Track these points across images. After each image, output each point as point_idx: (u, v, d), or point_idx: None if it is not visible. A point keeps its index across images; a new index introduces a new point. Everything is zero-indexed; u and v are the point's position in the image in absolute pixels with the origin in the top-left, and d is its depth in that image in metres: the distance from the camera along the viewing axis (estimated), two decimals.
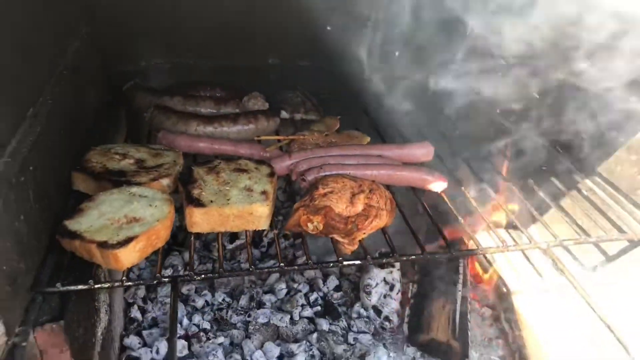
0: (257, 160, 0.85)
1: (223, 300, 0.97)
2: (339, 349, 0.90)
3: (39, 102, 0.74)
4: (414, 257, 0.74)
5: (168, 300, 0.97)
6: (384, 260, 0.75)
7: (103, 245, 0.66)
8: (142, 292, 0.97)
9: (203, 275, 0.70)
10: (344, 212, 0.74)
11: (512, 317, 0.96)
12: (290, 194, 1.10)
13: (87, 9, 1.03)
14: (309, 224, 0.74)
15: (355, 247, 0.75)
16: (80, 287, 0.65)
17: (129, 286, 0.68)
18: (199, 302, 0.96)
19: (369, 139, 1.00)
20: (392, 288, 0.99)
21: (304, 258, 0.75)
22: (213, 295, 0.98)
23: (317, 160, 0.87)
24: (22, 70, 0.69)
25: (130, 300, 0.96)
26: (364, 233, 0.75)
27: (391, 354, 0.92)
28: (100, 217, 0.71)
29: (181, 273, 0.98)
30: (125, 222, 0.70)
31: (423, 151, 0.93)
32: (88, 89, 0.99)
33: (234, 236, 1.10)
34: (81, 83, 0.95)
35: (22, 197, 0.62)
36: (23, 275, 0.60)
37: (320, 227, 0.74)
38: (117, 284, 0.67)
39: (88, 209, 0.73)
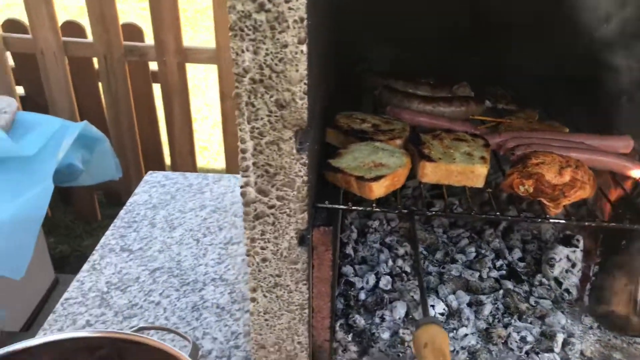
0: (472, 134, 1.02)
1: (421, 252, 1.15)
2: (522, 306, 1.03)
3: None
4: (613, 224, 0.85)
5: (375, 245, 1.17)
6: (585, 223, 0.87)
7: (360, 178, 0.87)
8: (354, 235, 1.18)
9: (434, 212, 0.88)
10: (552, 180, 0.88)
11: None
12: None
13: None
14: (520, 187, 0.89)
15: (559, 210, 0.88)
16: (342, 206, 0.87)
17: (376, 211, 0.87)
18: (401, 251, 1.15)
19: (567, 129, 1.12)
20: (573, 266, 1.10)
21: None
22: (412, 248, 1.16)
23: (524, 139, 1.01)
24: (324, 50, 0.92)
25: (345, 241, 1.18)
26: (569, 200, 0.88)
27: (569, 320, 1.03)
28: (355, 160, 0.93)
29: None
30: (374, 166, 0.91)
31: (623, 144, 1.03)
32: (333, 67, 1.23)
33: (430, 205, 1.28)
34: (332, 63, 1.19)
35: (312, 134, 0.84)
36: (309, 186, 0.82)
37: (531, 190, 0.88)
38: (368, 208, 0.87)
39: (344, 154, 0.95)
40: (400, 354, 0.96)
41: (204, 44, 3.18)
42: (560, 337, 0.96)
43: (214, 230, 1.37)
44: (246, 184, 0.75)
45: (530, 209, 1.16)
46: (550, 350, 0.95)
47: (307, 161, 0.73)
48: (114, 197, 3.06)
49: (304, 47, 0.66)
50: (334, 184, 0.91)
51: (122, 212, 1.44)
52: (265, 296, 0.83)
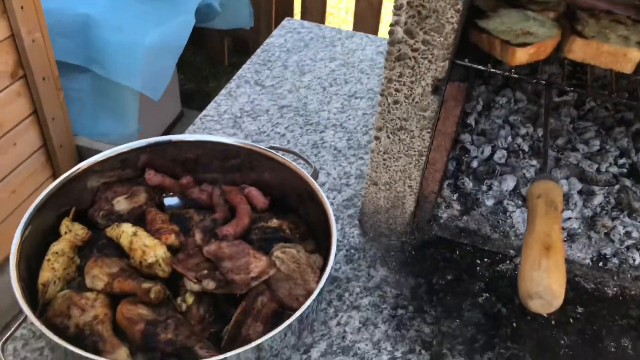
0: (634, 19, 0.96)
1: (542, 136, 1.15)
2: (636, 205, 1.02)
3: None
4: None
5: (497, 120, 1.18)
6: None
7: (506, 42, 0.87)
8: (479, 106, 1.20)
9: (572, 88, 0.87)
10: None
11: None
12: None
13: None
14: None
15: None
16: (480, 67, 0.88)
17: (514, 77, 0.88)
18: (522, 131, 1.15)
19: None
20: None
21: None
22: (534, 130, 1.16)
23: None
24: None
25: (468, 111, 1.19)
26: None
27: None
28: (502, 25, 0.92)
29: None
30: (521, 33, 0.90)
31: None
32: None
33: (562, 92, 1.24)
34: None
35: None
36: (456, 36, 0.83)
37: None
38: (506, 73, 0.88)
39: (493, 17, 0.94)
40: (500, 222, 1.01)
41: None
42: None
43: (340, 82, 1.43)
44: (396, 23, 0.78)
45: None
46: None
47: (461, 8, 0.74)
48: (241, 45, 3.19)
49: None
50: (476, 46, 0.92)
51: (258, 51, 1.53)
52: (388, 137, 0.89)
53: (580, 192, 1.04)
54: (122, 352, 0.72)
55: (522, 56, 0.86)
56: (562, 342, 0.88)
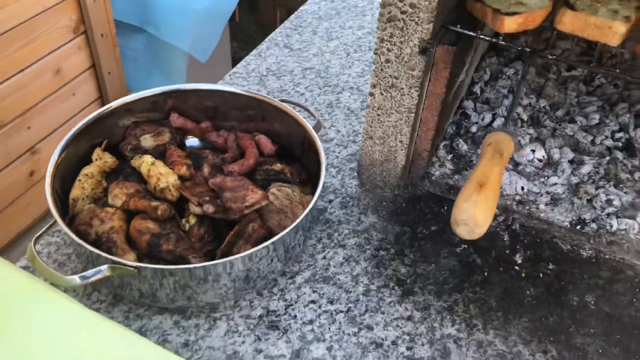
0: None
1: (543, 107, 1.20)
2: (623, 176, 1.06)
3: None
4: None
5: (502, 90, 1.23)
6: None
7: (496, 11, 0.93)
8: (486, 76, 1.26)
9: (554, 56, 0.93)
10: None
11: None
12: None
13: None
14: None
15: None
16: (471, 33, 0.95)
17: (502, 45, 0.94)
18: (525, 101, 1.20)
19: None
20: None
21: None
22: (537, 100, 1.21)
23: None
24: None
25: (476, 80, 1.25)
26: None
27: None
28: None
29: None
30: (514, 3, 0.95)
31: None
32: None
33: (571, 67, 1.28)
34: None
35: None
36: (440, 1, 0.90)
37: None
38: (494, 40, 0.94)
39: None
40: None
41: None
42: None
43: (364, 49, 1.51)
44: None
45: None
46: (632, 217, 1.01)
47: None
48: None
49: None
50: (471, 14, 0.98)
51: (292, 17, 1.63)
52: (381, 94, 0.98)
53: (571, 161, 1.09)
54: (130, 257, 0.86)
55: (510, 25, 0.92)
56: (528, 292, 0.95)
